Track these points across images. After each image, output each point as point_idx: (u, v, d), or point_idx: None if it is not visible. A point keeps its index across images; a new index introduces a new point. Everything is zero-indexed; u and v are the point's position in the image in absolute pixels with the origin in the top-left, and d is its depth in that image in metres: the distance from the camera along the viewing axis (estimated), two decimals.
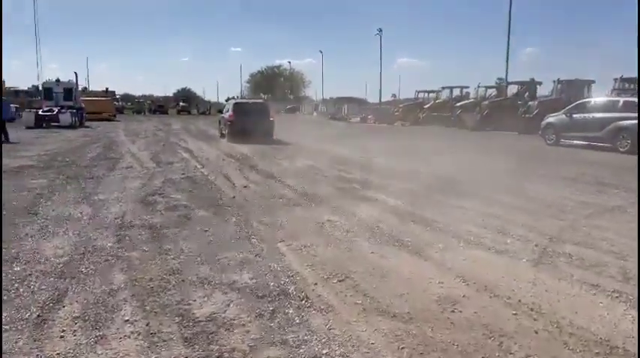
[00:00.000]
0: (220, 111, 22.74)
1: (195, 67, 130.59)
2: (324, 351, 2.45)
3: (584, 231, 4.84)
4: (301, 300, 3.08)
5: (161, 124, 28.81)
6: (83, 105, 26.99)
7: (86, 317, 2.77)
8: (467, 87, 31.75)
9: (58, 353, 2.39)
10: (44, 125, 21.97)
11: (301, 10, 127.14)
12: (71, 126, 22.33)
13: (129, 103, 62.43)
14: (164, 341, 2.53)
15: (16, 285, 3.24)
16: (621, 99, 14.80)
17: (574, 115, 15.36)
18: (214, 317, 2.82)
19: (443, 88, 32.87)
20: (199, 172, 8.83)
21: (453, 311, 2.94)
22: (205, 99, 79.50)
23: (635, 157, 9.74)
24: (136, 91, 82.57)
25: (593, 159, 12.04)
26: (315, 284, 3.37)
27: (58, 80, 25.94)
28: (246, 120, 15.84)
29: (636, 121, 12.67)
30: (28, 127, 21.23)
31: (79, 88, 30.62)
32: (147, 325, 2.70)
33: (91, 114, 28.69)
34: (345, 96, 61.65)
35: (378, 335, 2.63)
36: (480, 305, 3.03)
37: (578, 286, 3.37)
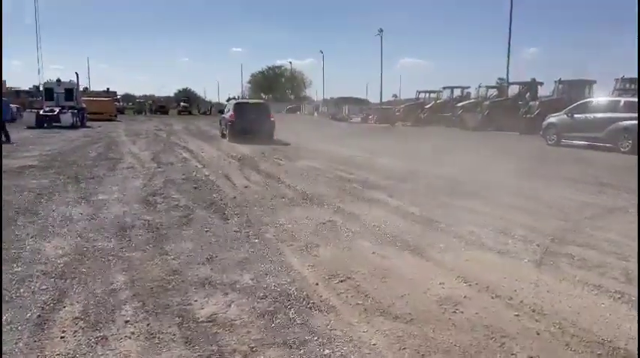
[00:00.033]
0: (221, 112, 22.74)
1: (196, 68, 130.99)
2: (326, 352, 2.44)
3: (587, 232, 4.83)
4: (302, 301, 3.07)
5: (162, 124, 28.81)
6: (84, 106, 27.00)
7: (87, 318, 2.77)
8: (468, 87, 31.81)
9: (58, 354, 2.38)
10: (45, 125, 21.98)
11: (302, 10, 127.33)
12: (72, 127, 22.33)
13: (130, 103, 62.49)
14: (165, 342, 2.52)
15: (17, 286, 3.24)
16: (622, 100, 14.78)
17: (575, 115, 15.35)
18: (215, 317, 2.81)
19: (444, 88, 32.88)
20: (200, 172, 8.82)
21: (454, 312, 2.93)
22: (206, 99, 79.74)
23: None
24: (137, 92, 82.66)
25: (595, 160, 12.02)
26: (317, 284, 3.37)
27: (59, 80, 25.95)
28: (247, 121, 15.88)
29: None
30: (30, 127, 21.26)
31: (80, 88, 30.67)
32: (147, 325, 2.69)
33: (92, 114, 28.69)
34: (346, 96, 61.77)
35: (379, 336, 2.62)
36: (481, 306, 3.02)
37: (580, 287, 3.36)
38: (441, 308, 2.99)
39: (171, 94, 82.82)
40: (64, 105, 24.00)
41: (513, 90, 26.86)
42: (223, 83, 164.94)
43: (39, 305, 2.93)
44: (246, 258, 3.92)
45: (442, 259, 3.94)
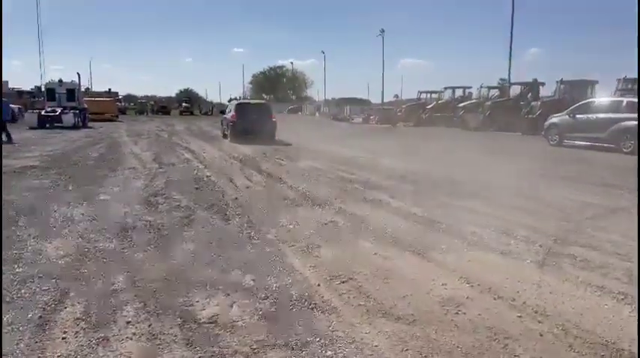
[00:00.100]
0: (223, 112, 22.76)
1: (197, 68, 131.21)
2: (328, 354, 2.43)
3: (589, 233, 4.81)
4: (304, 302, 3.06)
5: (164, 125, 28.84)
6: (86, 106, 27.04)
7: (88, 319, 2.76)
8: (469, 87, 31.78)
9: (59, 355, 2.38)
10: (47, 126, 22.00)
11: (304, 10, 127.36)
12: (74, 127, 22.37)
13: (131, 104, 62.65)
14: (166, 343, 2.51)
15: (18, 286, 3.23)
16: (624, 100, 14.73)
17: (577, 116, 15.32)
18: (217, 318, 2.81)
19: (445, 88, 32.86)
20: (202, 173, 8.82)
21: (457, 313, 2.92)
22: (208, 99, 79.80)
23: None
24: (139, 92, 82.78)
25: (597, 160, 11.99)
26: (318, 285, 3.36)
27: (60, 81, 25.98)
28: (249, 121, 15.90)
29: None
30: (31, 128, 21.29)
31: (82, 89, 30.69)
32: (149, 326, 2.68)
33: (94, 114, 28.74)
34: (348, 96, 61.85)
35: (381, 337, 2.61)
36: (484, 307, 3.01)
37: (583, 288, 3.35)
38: (443, 310, 2.98)
39: (173, 95, 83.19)
40: (66, 106, 24.05)
41: (515, 90, 26.82)
42: (225, 83, 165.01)
43: (40, 305, 2.93)
44: (248, 258, 3.91)
45: (444, 260, 3.93)
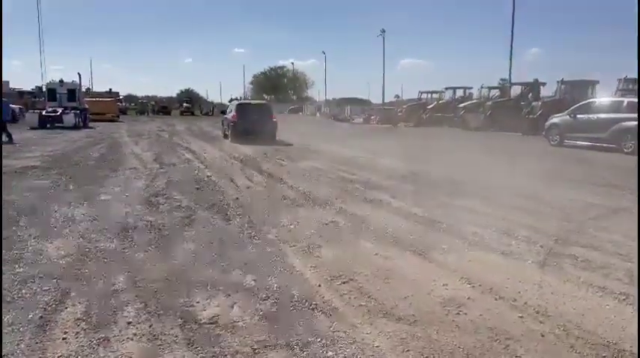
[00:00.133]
0: (223, 112, 22.76)
1: (198, 68, 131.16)
2: (329, 354, 2.43)
3: (590, 233, 4.80)
4: (305, 302, 3.05)
5: (164, 125, 28.86)
6: (87, 106, 27.04)
7: (89, 319, 2.76)
8: (470, 87, 31.76)
9: (60, 356, 2.37)
10: (48, 126, 22.02)
11: (304, 10, 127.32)
12: (75, 127, 22.38)
13: (132, 104, 62.63)
14: (167, 343, 2.51)
15: (19, 286, 3.23)
16: (626, 100, 14.72)
17: (578, 116, 15.30)
18: (217, 319, 2.80)
19: (446, 88, 32.86)
20: (202, 173, 8.82)
21: (458, 314, 2.91)
22: (208, 100, 79.80)
23: None
24: (140, 92, 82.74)
25: (598, 160, 11.98)
26: (319, 285, 3.35)
27: (61, 81, 25.98)
28: (249, 121, 15.92)
29: None
30: (32, 128, 21.30)
31: (83, 89, 30.69)
32: (150, 327, 2.68)
33: (95, 115, 28.72)
34: (348, 97, 61.81)
35: (382, 337, 2.61)
36: (485, 308, 3.00)
37: (584, 288, 3.34)
38: (444, 310, 2.97)
39: (174, 95, 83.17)
40: (67, 106, 24.05)
41: (516, 90, 26.82)
42: (225, 84, 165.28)
43: (41, 306, 2.93)
44: (249, 258, 3.91)
45: (445, 260, 3.92)
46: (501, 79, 36.80)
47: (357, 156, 12.07)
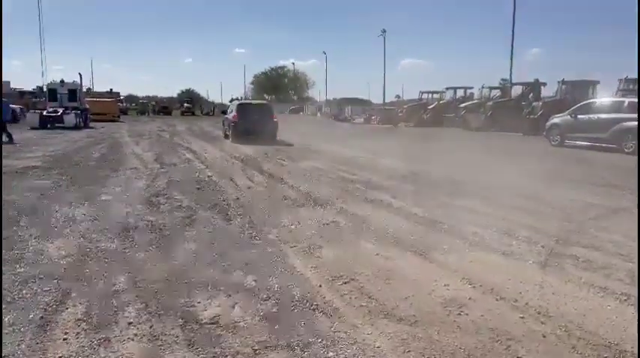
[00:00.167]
0: (224, 112, 22.77)
1: (199, 69, 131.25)
2: (330, 355, 2.43)
3: (591, 233, 4.80)
4: (305, 302, 3.05)
5: (165, 125, 28.86)
6: (87, 106, 27.03)
7: (89, 320, 2.76)
8: (471, 87, 31.77)
9: (60, 356, 2.37)
10: (49, 126, 22.01)
11: (304, 10, 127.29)
12: (75, 127, 22.37)
13: (133, 104, 62.61)
14: (168, 343, 2.51)
15: (19, 287, 3.23)
16: (626, 100, 14.71)
17: (579, 116, 15.30)
18: (218, 319, 2.80)
19: (447, 88, 32.87)
20: (203, 173, 8.82)
21: (459, 314, 2.91)
22: (209, 100, 79.81)
23: None
24: (140, 92, 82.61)
25: (598, 160, 11.97)
26: (320, 286, 3.35)
27: (62, 81, 25.97)
28: (250, 121, 15.93)
29: None
30: (33, 128, 21.30)
31: (84, 89, 30.68)
32: (150, 327, 2.68)
33: (96, 115, 28.72)
34: (349, 97, 61.75)
35: (383, 338, 2.60)
36: (486, 308, 3.00)
37: (586, 289, 3.33)
38: (445, 310, 2.97)
39: (175, 95, 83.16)
40: (68, 106, 24.03)
41: (516, 90, 26.82)
42: (226, 84, 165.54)
43: (41, 306, 2.92)
44: (249, 259, 3.90)
45: (446, 260, 3.92)
46: (502, 79, 36.89)
47: (358, 156, 12.07)
